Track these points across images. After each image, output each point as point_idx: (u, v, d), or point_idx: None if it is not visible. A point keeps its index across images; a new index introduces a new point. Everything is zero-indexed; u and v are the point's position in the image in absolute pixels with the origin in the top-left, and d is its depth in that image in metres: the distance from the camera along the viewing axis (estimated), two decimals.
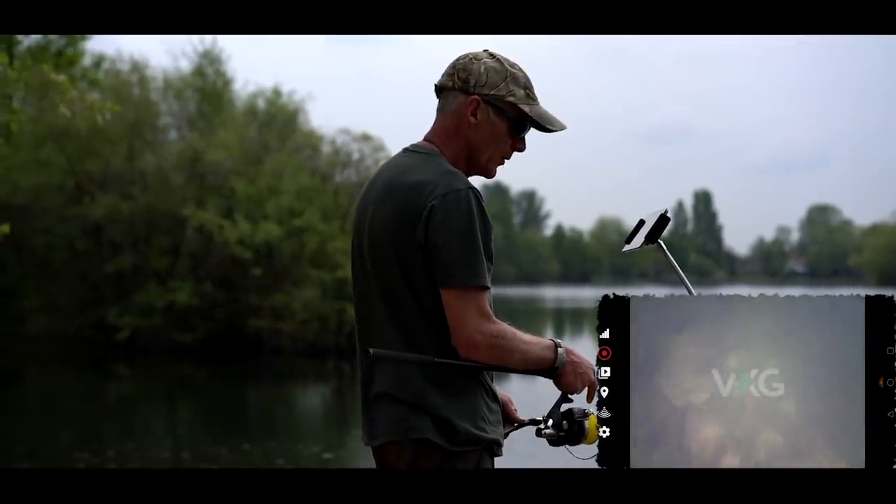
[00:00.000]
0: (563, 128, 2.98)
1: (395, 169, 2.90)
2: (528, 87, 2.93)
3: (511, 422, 3.01)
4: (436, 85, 2.97)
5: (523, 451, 5.01)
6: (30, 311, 27.80)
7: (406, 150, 2.96)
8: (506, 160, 3.00)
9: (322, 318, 26.42)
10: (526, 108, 2.91)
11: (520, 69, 2.94)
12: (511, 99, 2.90)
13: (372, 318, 2.88)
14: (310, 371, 24.74)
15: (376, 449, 2.88)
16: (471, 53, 2.95)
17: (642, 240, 3.14)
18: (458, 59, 2.95)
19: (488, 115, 2.90)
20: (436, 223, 2.72)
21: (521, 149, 2.99)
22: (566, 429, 2.79)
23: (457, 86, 2.91)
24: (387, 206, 2.83)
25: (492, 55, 2.94)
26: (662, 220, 3.10)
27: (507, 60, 2.94)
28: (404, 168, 2.87)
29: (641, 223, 3.19)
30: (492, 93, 2.88)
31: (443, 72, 2.97)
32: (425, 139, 2.97)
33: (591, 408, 2.78)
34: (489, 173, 2.99)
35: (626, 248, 3.24)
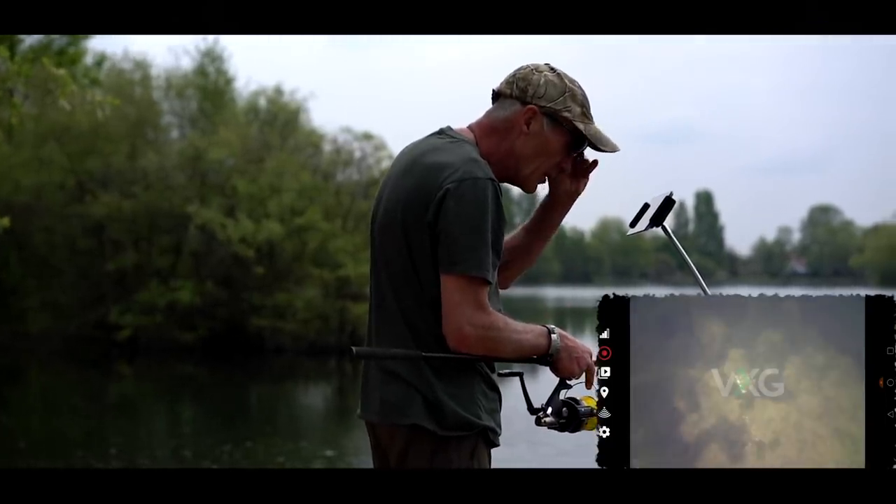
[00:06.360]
0: (615, 149, 2.95)
1: (421, 148, 2.89)
2: (584, 105, 2.92)
3: None
4: (493, 90, 2.96)
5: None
6: (31, 309, 27.76)
7: (440, 131, 2.95)
8: (548, 177, 2.99)
9: (324, 318, 26.43)
10: (581, 126, 2.89)
11: (579, 86, 2.92)
12: (567, 114, 2.88)
13: (380, 294, 2.88)
14: (311, 370, 24.75)
15: (370, 424, 2.91)
16: (532, 64, 2.94)
17: (647, 223, 3.07)
18: (518, 69, 2.94)
19: (542, 127, 2.88)
20: (447, 207, 2.70)
21: (566, 169, 2.99)
22: (566, 416, 2.76)
23: (514, 94, 2.90)
24: (404, 184, 2.82)
25: (552, 69, 2.93)
26: (667, 202, 3.03)
27: (566, 76, 2.93)
28: (430, 148, 2.86)
29: (646, 206, 3.12)
30: (549, 105, 2.87)
31: (502, 79, 2.95)
32: (467, 126, 2.96)
33: (592, 393, 2.75)
34: (528, 187, 2.97)
35: (631, 231, 3.17)
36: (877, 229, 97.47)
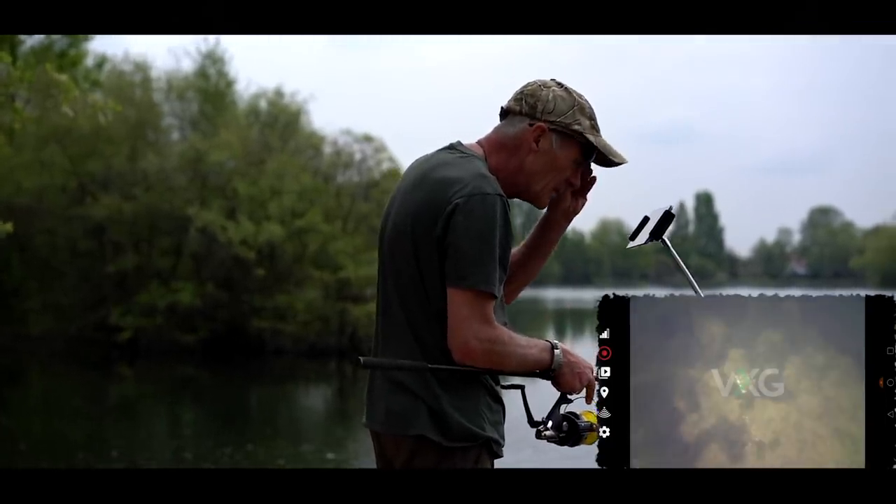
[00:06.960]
0: (624, 161, 2.98)
1: (431, 163, 2.91)
2: (592, 118, 2.94)
3: None
4: (501, 107, 2.98)
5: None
6: (32, 311, 27.78)
7: (450, 146, 2.97)
8: (557, 192, 3.01)
9: (324, 319, 26.43)
10: (591, 138, 2.92)
11: (586, 100, 2.95)
12: (577, 127, 2.90)
13: (387, 304, 2.90)
14: (312, 372, 24.74)
15: (374, 433, 2.92)
16: (539, 81, 2.96)
17: (647, 237, 3.10)
18: (525, 86, 2.96)
19: (551, 143, 2.90)
20: (456, 222, 2.72)
21: (575, 184, 3.01)
22: (566, 430, 2.79)
23: (524, 111, 2.92)
24: (413, 197, 2.84)
25: (560, 84, 2.95)
26: (667, 216, 3.06)
27: (574, 91, 2.95)
28: (440, 163, 2.88)
29: (646, 220, 3.15)
30: (559, 120, 2.89)
31: (510, 96, 2.97)
32: (477, 142, 2.98)
33: (592, 408, 2.77)
34: (539, 203, 3.01)
35: (631, 244, 3.21)
36: (877, 231, 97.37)
